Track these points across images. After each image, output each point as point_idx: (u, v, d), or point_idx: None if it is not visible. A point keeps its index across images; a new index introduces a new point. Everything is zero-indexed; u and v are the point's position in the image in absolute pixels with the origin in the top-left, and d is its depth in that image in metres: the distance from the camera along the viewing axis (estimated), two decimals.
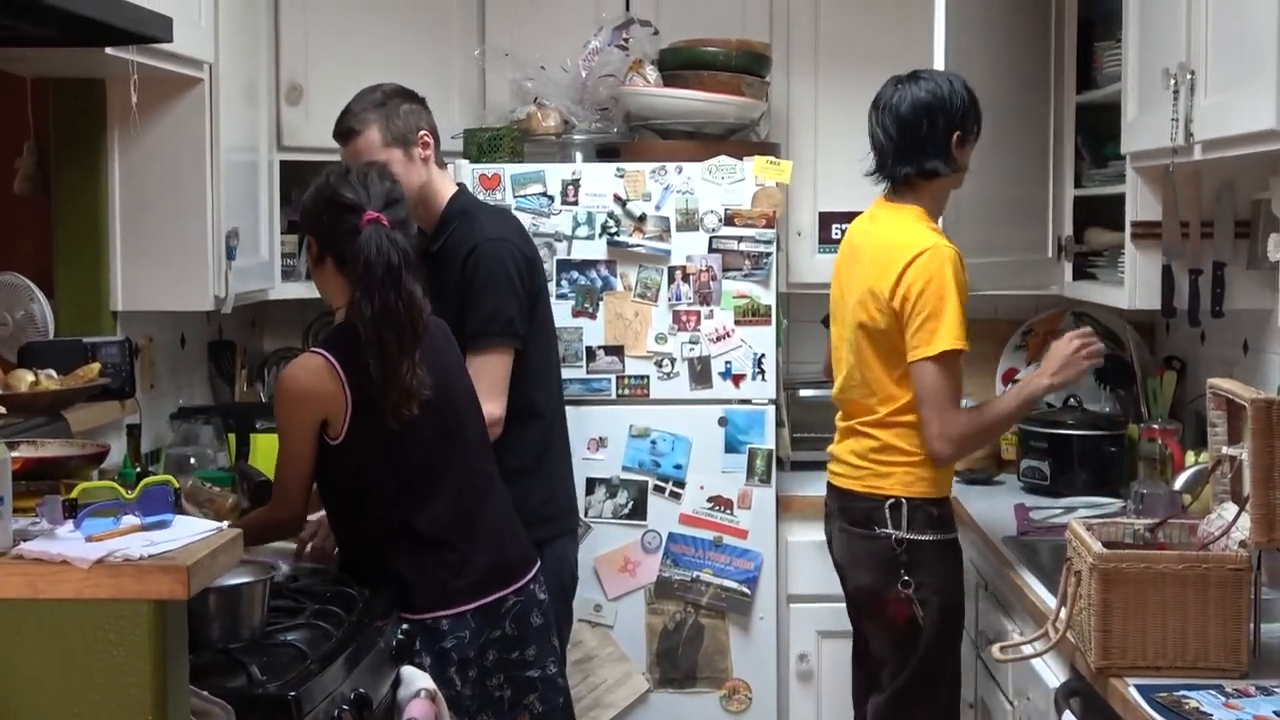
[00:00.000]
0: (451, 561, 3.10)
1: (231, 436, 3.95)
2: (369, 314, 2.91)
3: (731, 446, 4.15)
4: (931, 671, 3.43)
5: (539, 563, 3.32)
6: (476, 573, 3.12)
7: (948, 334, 3.28)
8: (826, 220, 4.59)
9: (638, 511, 4.16)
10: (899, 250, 3.36)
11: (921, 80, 3.46)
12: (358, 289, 2.93)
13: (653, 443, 4.15)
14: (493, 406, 3.41)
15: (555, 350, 3.80)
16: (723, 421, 4.14)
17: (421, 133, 3.53)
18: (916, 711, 3.45)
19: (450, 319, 3.35)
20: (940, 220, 3.53)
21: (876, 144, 3.49)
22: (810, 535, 3.92)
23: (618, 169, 4.14)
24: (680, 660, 4.18)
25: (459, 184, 3.73)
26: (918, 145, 3.42)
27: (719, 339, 4.13)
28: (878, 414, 3.43)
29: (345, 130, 3.52)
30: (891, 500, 3.39)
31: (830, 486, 3.61)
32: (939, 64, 3.80)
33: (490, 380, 3.43)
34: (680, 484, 4.15)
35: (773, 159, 4.15)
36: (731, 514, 4.14)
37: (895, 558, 3.38)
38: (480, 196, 3.98)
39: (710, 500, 4.14)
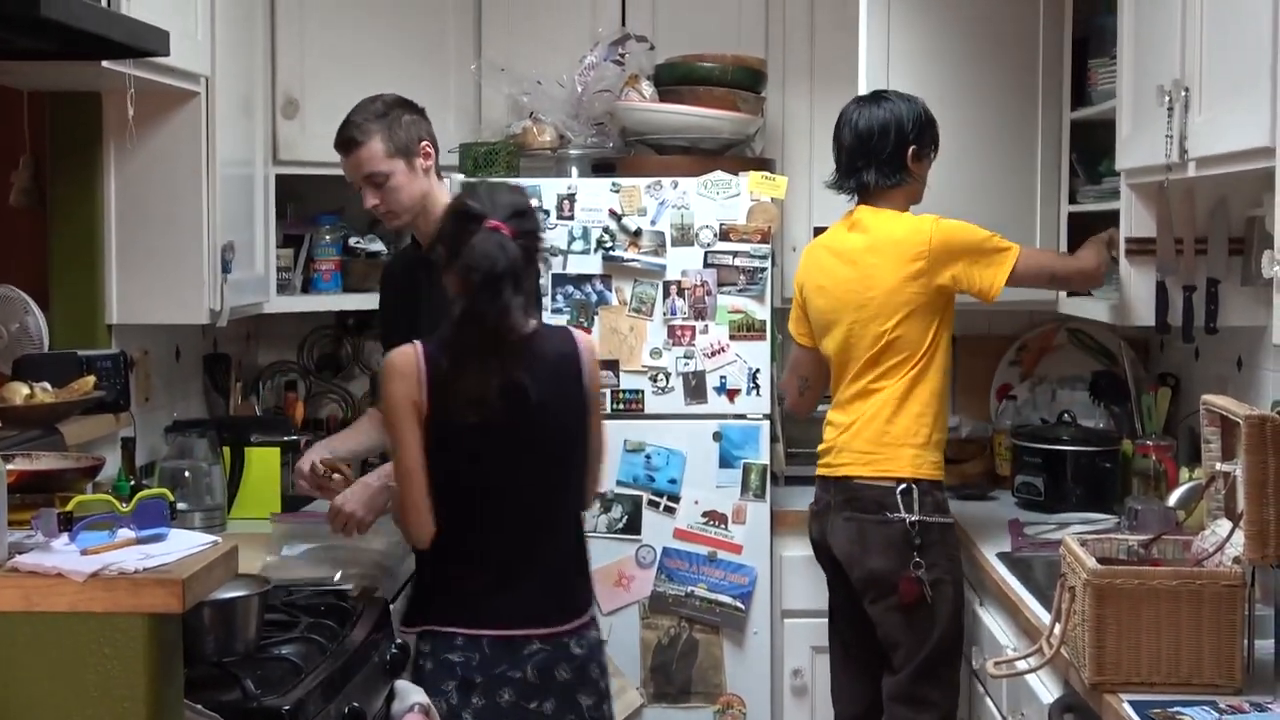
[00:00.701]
0: (488, 584, 3.06)
1: (226, 450, 3.94)
2: (456, 312, 2.98)
3: (726, 461, 4.15)
4: (948, 648, 3.61)
5: (588, 620, 3.20)
6: (509, 604, 3.06)
7: (1005, 249, 3.63)
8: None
9: (632, 526, 4.16)
10: (911, 236, 3.63)
11: (882, 100, 3.75)
12: (458, 286, 2.98)
13: (647, 457, 4.15)
14: None
15: None
16: (717, 436, 4.14)
17: (423, 143, 3.50)
18: (930, 688, 3.61)
19: None
20: None
21: (836, 156, 3.78)
22: (805, 550, 3.91)
23: (613, 184, 4.14)
24: (675, 675, 4.17)
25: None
26: (873, 156, 3.69)
27: (714, 354, 4.14)
28: (894, 395, 3.62)
29: (347, 140, 3.47)
30: (903, 486, 3.57)
31: (828, 480, 3.72)
32: (862, 77, 4.11)
33: None
34: (675, 499, 4.16)
35: (768, 174, 4.16)
36: (726, 529, 4.14)
37: (909, 540, 3.55)
38: None
39: (705, 515, 4.14)
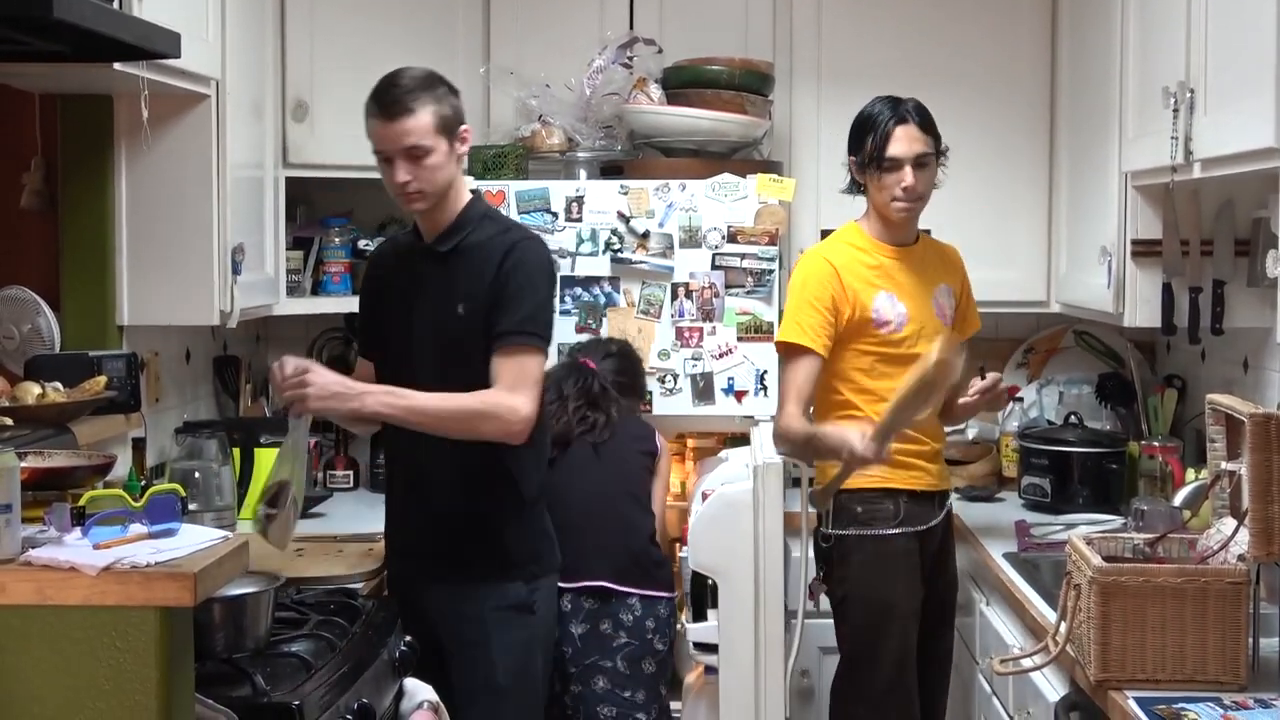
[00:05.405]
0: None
1: (236, 451, 3.95)
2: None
3: None
4: (857, 660, 3.57)
5: None
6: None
7: (782, 328, 3.60)
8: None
9: None
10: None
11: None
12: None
13: None
14: (520, 401, 3.16)
15: None
16: None
17: (464, 128, 3.28)
18: (851, 695, 3.58)
19: (474, 319, 3.22)
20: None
21: None
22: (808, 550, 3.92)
23: (621, 186, 4.16)
24: None
25: (473, 190, 3.53)
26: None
27: (722, 355, 4.15)
28: (820, 406, 3.64)
29: (396, 105, 3.17)
30: (831, 500, 3.56)
31: None
32: None
33: (517, 375, 3.17)
34: None
35: (775, 177, 4.17)
36: None
37: (820, 551, 3.61)
38: None
39: None
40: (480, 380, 3.19)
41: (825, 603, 3.71)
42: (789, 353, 3.55)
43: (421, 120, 3.17)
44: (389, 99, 3.19)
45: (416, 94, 3.18)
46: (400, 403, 3.15)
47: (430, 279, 3.31)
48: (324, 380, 3.10)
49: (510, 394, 3.16)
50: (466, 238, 3.30)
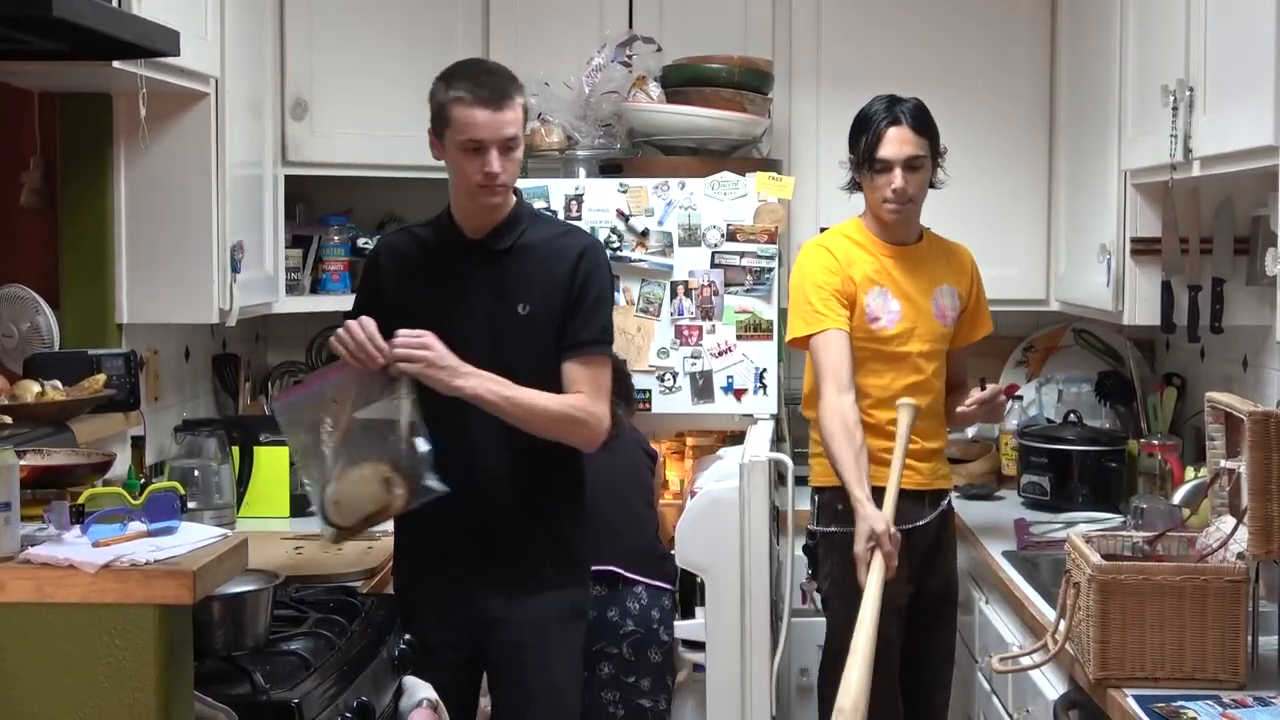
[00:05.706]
0: None
1: (235, 449, 3.95)
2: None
3: None
4: (838, 654, 3.48)
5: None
6: None
7: (794, 324, 3.63)
8: None
9: None
10: None
11: None
12: None
13: None
14: (603, 410, 3.16)
15: None
16: None
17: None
18: (832, 692, 3.47)
19: (540, 319, 3.12)
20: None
21: None
22: None
23: (620, 184, 4.16)
24: None
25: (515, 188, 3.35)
26: None
27: (721, 354, 4.15)
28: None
29: (501, 94, 3.05)
30: (815, 497, 3.65)
31: None
32: None
33: (596, 384, 3.15)
34: None
35: (775, 175, 4.17)
36: None
37: (807, 549, 3.69)
38: None
39: None
40: (540, 381, 3.10)
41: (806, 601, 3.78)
42: (810, 342, 3.56)
43: (518, 111, 3.08)
44: (492, 86, 3.07)
45: (512, 83, 3.10)
46: (504, 391, 3.04)
47: (479, 276, 3.16)
48: (443, 349, 3.00)
49: (594, 402, 3.14)
50: (521, 236, 3.18)
